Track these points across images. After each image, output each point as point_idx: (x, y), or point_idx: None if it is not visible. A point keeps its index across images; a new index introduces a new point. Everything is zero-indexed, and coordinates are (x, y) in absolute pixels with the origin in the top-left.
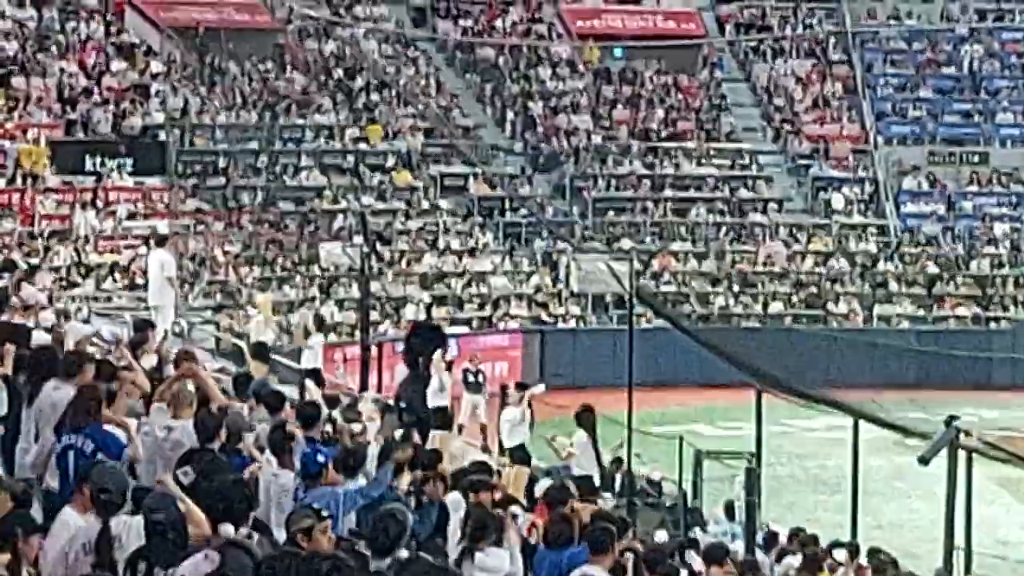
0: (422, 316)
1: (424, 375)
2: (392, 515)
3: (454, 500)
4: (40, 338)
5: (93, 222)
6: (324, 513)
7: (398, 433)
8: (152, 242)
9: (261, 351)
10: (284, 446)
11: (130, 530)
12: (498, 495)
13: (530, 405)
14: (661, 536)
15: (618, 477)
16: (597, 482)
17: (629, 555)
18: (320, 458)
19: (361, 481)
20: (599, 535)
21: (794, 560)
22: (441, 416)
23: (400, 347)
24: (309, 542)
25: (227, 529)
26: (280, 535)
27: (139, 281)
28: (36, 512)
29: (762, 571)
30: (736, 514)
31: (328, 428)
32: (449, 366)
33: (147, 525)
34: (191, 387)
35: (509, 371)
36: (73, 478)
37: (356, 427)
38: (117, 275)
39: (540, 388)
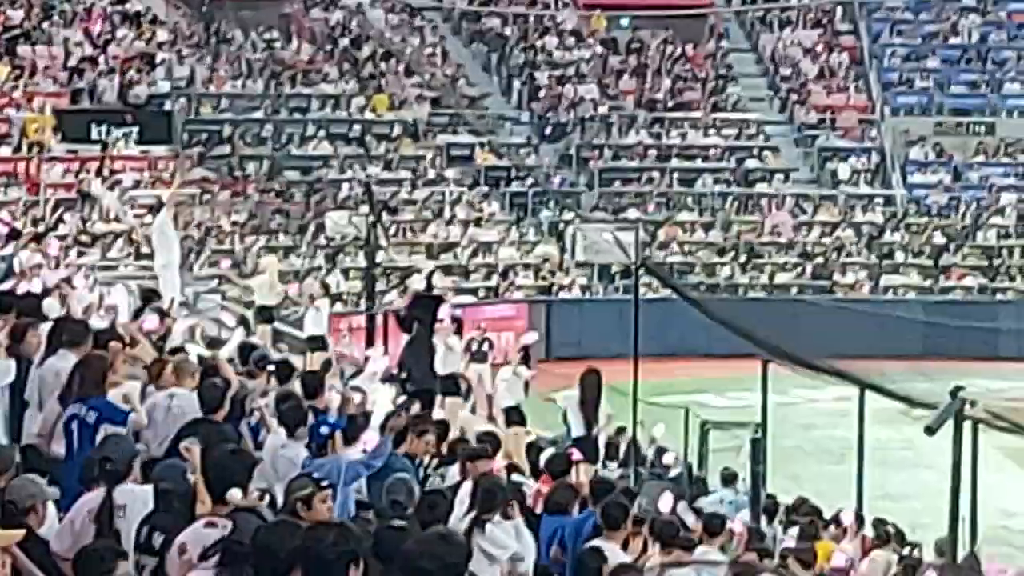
0: (424, 286)
1: (427, 344)
2: (403, 482)
3: (452, 472)
4: (52, 307)
5: (101, 191)
6: (324, 483)
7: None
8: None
9: (265, 315)
10: (293, 417)
11: (136, 499)
12: (502, 462)
13: (526, 362)
14: (667, 499)
15: (622, 446)
16: (591, 446)
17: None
18: (324, 429)
19: (362, 448)
20: (613, 510)
21: (794, 530)
22: (452, 383)
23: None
24: (308, 511)
25: (234, 494)
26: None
27: (144, 250)
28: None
29: (766, 540)
30: (735, 483)
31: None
32: (459, 330)
33: (156, 494)
34: (194, 358)
35: (515, 341)
36: (77, 448)
37: (357, 396)
38: (122, 244)
39: (532, 336)
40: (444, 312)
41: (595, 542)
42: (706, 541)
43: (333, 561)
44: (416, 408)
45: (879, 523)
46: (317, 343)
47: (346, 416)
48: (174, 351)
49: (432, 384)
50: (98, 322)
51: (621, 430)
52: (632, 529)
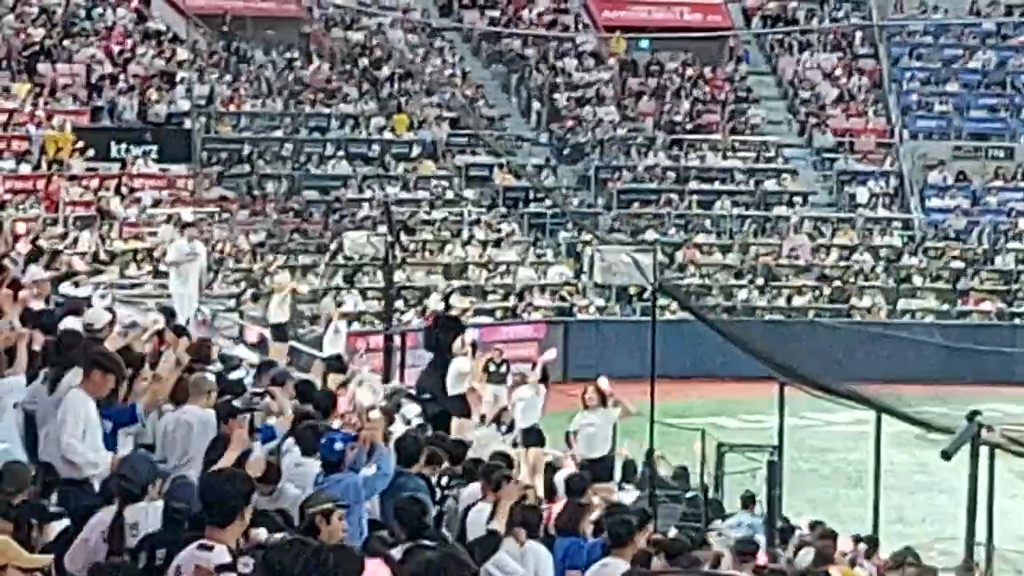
0: (442, 306)
1: (443, 366)
2: (415, 499)
3: (471, 492)
4: (69, 323)
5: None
6: (343, 501)
7: (414, 422)
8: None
9: (280, 333)
10: (309, 436)
11: (148, 517)
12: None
13: (545, 382)
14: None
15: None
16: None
17: None
18: (338, 446)
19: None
20: (618, 527)
21: (809, 552)
22: (460, 403)
23: (421, 338)
24: (327, 525)
25: (258, 533)
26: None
27: (163, 268)
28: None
29: (779, 564)
30: (756, 506)
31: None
32: (473, 351)
33: (165, 511)
34: (210, 376)
35: (537, 359)
36: None
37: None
38: (141, 261)
39: (552, 354)
40: (468, 338)
41: (604, 559)
42: (736, 565)
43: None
44: (428, 429)
45: (907, 551)
46: (335, 364)
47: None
48: (191, 369)
49: (445, 404)
50: (115, 341)
51: (650, 454)
52: (643, 548)
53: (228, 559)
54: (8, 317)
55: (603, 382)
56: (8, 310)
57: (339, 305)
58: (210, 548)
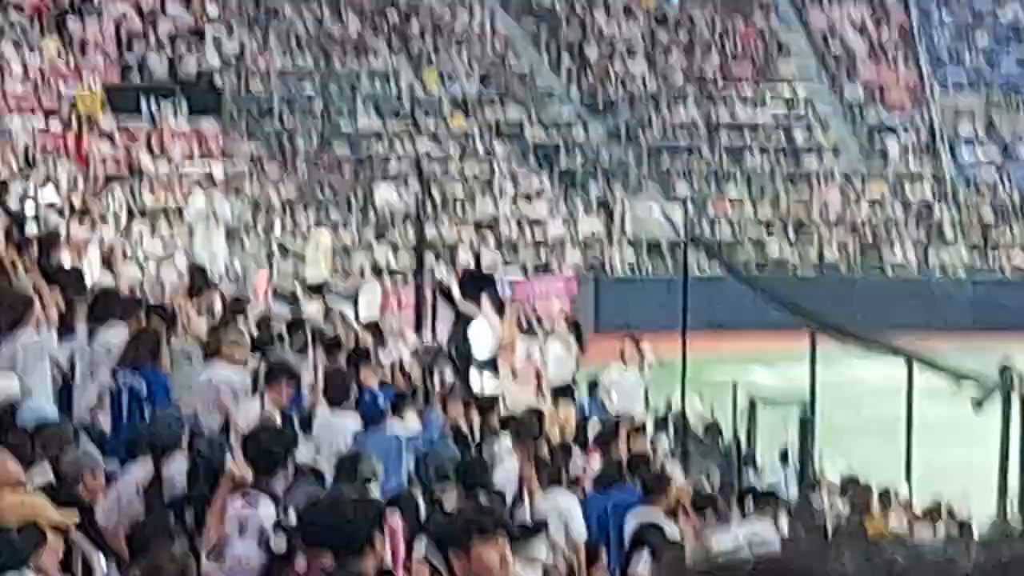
0: (472, 262)
1: (469, 321)
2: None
3: (504, 446)
4: (100, 281)
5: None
6: (378, 460)
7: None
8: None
9: (316, 289)
10: (339, 391)
11: (180, 471)
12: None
13: (579, 340)
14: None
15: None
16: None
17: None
18: (380, 401)
19: (412, 424)
20: (653, 479)
21: (845, 505)
22: (487, 361)
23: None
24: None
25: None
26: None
27: (192, 226)
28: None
29: (816, 515)
30: (790, 460)
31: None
32: (500, 309)
33: (192, 467)
34: (245, 333)
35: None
36: (127, 417)
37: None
38: (171, 219)
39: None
40: (504, 289)
41: (637, 510)
42: (759, 516)
43: (357, 531)
44: (451, 379)
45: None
46: (371, 326)
47: (394, 390)
48: (225, 323)
49: (469, 359)
50: (150, 295)
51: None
52: (675, 499)
53: (273, 511)
54: (32, 275)
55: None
56: (30, 268)
57: (376, 267)
58: (256, 504)
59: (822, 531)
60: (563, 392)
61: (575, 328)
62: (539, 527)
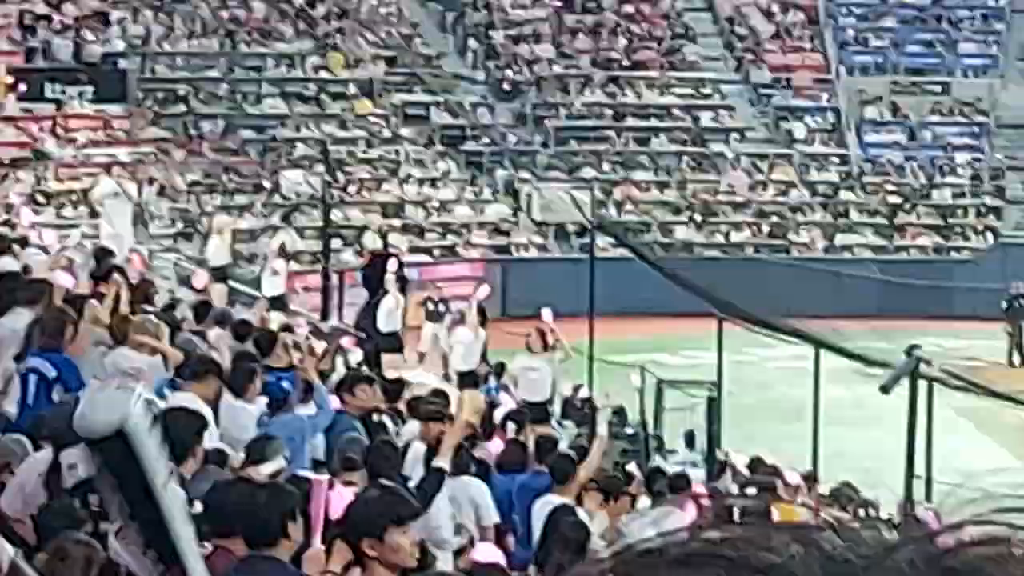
0: (379, 245)
1: (375, 302)
2: (356, 440)
3: (410, 429)
4: (4, 265)
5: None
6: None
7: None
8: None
9: (220, 275)
10: (244, 376)
11: (83, 457)
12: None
13: (484, 324)
14: (631, 468)
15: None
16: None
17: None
18: (285, 385)
19: (312, 407)
20: (562, 464)
21: (752, 489)
22: (392, 340)
23: (358, 276)
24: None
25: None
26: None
27: (98, 209)
28: None
29: (724, 499)
30: (696, 443)
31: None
32: (403, 288)
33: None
34: (154, 319)
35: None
36: (33, 402)
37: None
38: (76, 203)
39: (485, 291)
40: (392, 266)
41: (547, 496)
42: (670, 500)
43: (270, 518)
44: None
45: (844, 485)
46: (277, 304)
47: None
48: (133, 310)
49: (378, 342)
50: (57, 279)
51: (578, 387)
52: (581, 484)
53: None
54: None
55: (547, 315)
56: None
57: (282, 248)
58: None
59: (729, 514)
60: (469, 377)
61: (481, 315)
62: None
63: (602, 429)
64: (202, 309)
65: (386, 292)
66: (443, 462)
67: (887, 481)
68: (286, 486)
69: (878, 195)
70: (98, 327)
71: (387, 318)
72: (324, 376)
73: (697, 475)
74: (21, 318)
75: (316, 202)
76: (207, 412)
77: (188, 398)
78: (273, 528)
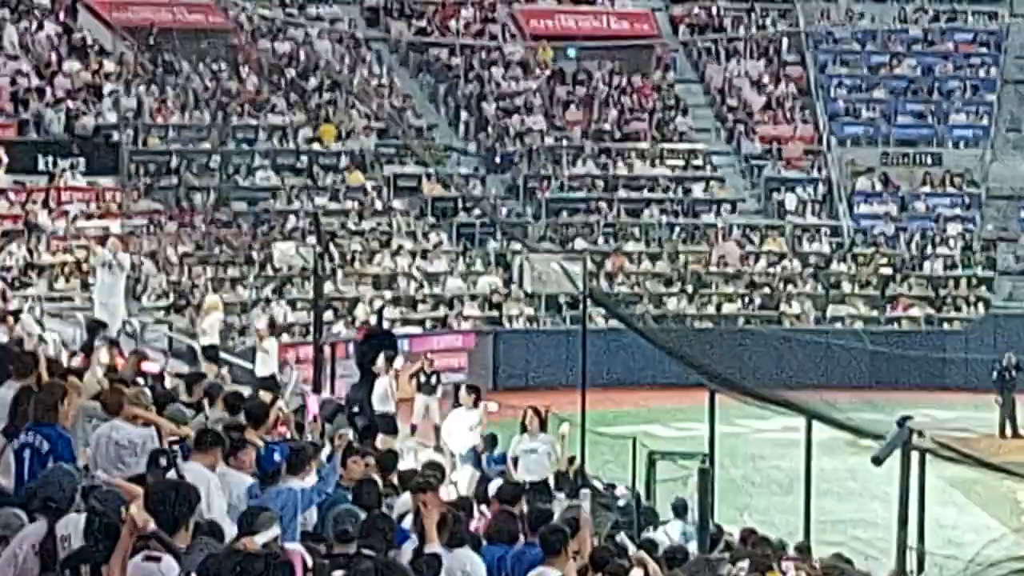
0: (373, 319)
1: (370, 380)
2: (349, 512)
3: (403, 501)
4: None
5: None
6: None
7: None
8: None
9: (212, 354)
10: (235, 446)
11: (77, 529)
12: (450, 497)
13: (477, 404)
14: (621, 539)
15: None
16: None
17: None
18: (276, 457)
19: (311, 479)
20: (552, 536)
21: (745, 562)
22: (387, 421)
23: (351, 349)
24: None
25: (255, 541)
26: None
27: (91, 281)
28: None
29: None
30: (688, 514)
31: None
32: (396, 373)
33: (88, 522)
34: (147, 391)
35: (462, 372)
36: (28, 477)
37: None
38: (70, 275)
39: (493, 406)
40: (383, 359)
41: (538, 569)
42: (666, 574)
43: None
44: (350, 435)
45: (837, 557)
46: (268, 383)
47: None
48: (125, 382)
49: (372, 420)
50: (48, 352)
51: (571, 460)
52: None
53: (177, 569)
54: None
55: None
56: None
57: (272, 324)
58: (158, 559)
59: None
60: (466, 457)
61: (474, 392)
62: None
63: (585, 507)
64: (193, 381)
65: (377, 375)
66: (436, 548)
67: (879, 552)
68: (282, 556)
69: (869, 266)
70: (88, 398)
71: (381, 400)
72: (317, 448)
73: (688, 546)
74: (10, 391)
75: (308, 274)
76: (215, 481)
77: (196, 468)
78: None
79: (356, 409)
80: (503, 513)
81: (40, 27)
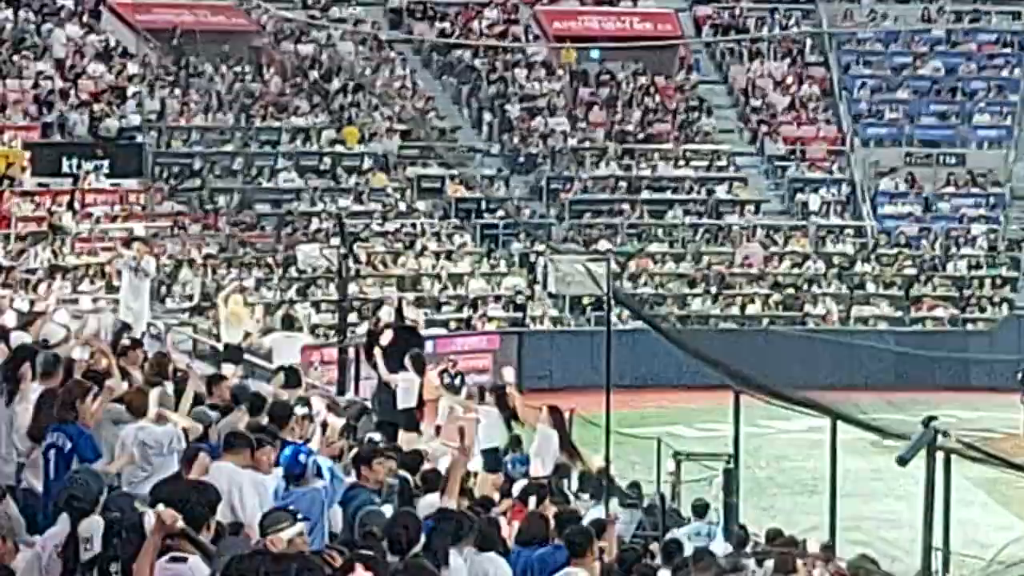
0: (393, 315)
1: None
2: (409, 514)
3: (428, 502)
4: (20, 338)
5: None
6: (308, 515)
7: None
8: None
9: (232, 353)
10: (255, 446)
11: (99, 531)
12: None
13: (501, 403)
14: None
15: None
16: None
17: None
18: (302, 458)
19: (320, 481)
20: (578, 537)
21: (770, 562)
22: (409, 418)
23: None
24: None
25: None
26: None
27: (115, 283)
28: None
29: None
30: (707, 513)
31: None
32: (421, 369)
33: (107, 524)
34: (170, 391)
35: (486, 373)
36: (54, 476)
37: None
38: (94, 277)
39: (509, 373)
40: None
41: (565, 570)
42: (695, 571)
43: None
44: (376, 437)
45: (862, 558)
46: (291, 378)
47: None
48: (152, 383)
49: (396, 419)
50: (74, 353)
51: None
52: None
53: (206, 571)
54: None
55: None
56: None
57: (291, 319)
58: (184, 560)
59: None
60: (489, 457)
61: (502, 396)
62: None
63: (612, 507)
64: (215, 381)
65: (404, 368)
66: (451, 502)
67: (904, 552)
68: (315, 560)
69: (893, 267)
70: (115, 401)
71: (404, 395)
72: (341, 451)
73: (712, 546)
74: (37, 392)
75: (332, 276)
76: (247, 480)
77: (228, 467)
78: None
79: (380, 410)
80: (533, 515)
81: (64, 30)
